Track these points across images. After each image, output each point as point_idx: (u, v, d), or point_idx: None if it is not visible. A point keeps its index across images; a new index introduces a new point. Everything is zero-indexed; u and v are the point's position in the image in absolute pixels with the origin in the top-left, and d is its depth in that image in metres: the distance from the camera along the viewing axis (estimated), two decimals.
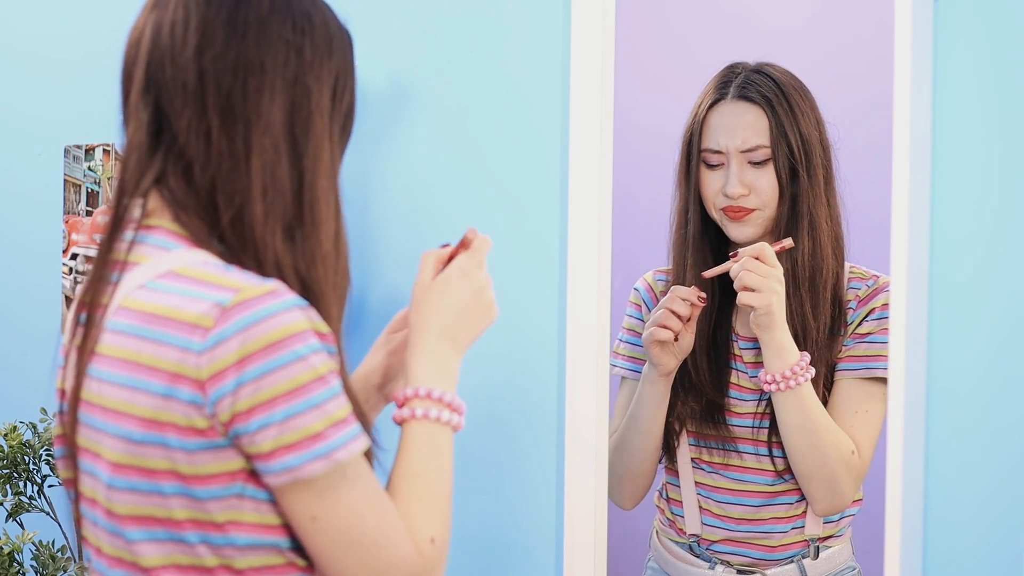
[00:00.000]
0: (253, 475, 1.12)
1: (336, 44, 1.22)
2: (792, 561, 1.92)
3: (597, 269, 1.76)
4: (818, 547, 1.92)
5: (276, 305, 1.10)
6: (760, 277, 1.79)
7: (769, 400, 1.89)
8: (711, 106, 1.92)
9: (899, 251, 1.51)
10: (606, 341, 1.80)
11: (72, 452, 1.18)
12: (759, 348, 1.88)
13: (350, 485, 1.12)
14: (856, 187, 2.70)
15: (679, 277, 1.97)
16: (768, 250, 1.81)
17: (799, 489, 1.91)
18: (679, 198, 1.97)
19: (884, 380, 1.81)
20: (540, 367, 1.82)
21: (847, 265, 1.94)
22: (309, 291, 1.18)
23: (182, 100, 1.16)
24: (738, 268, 1.81)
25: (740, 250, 1.84)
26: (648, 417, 1.93)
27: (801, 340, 1.86)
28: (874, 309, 1.89)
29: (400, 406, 1.26)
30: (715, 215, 1.92)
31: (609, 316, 1.81)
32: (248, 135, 1.16)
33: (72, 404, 1.18)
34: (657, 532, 2.04)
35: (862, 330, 1.90)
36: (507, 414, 1.85)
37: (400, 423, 1.25)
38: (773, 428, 1.89)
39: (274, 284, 1.12)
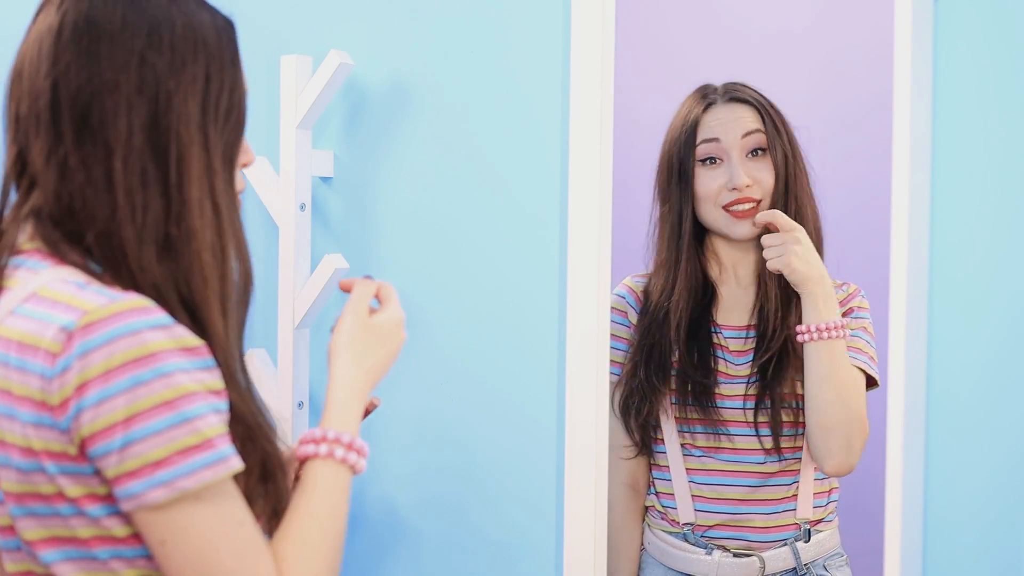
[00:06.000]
0: None
1: (203, 46, 1.18)
2: (785, 544, 1.97)
3: (597, 269, 1.77)
4: (809, 530, 1.97)
5: (118, 328, 1.06)
6: (774, 244, 1.89)
7: (757, 383, 1.95)
8: (704, 110, 1.98)
9: (899, 251, 1.51)
10: (606, 341, 1.80)
11: None
12: (743, 337, 1.99)
13: (205, 511, 1.08)
14: (856, 187, 2.71)
15: (669, 285, 1.99)
16: (780, 215, 1.90)
17: (792, 471, 1.97)
18: (670, 207, 2.00)
19: (862, 373, 1.93)
20: (540, 368, 1.82)
21: None
22: (191, 304, 1.15)
23: (35, 129, 1.15)
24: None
25: (758, 216, 1.93)
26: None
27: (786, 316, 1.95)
28: (852, 308, 1.98)
29: (304, 443, 1.24)
30: (714, 215, 1.96)
31: (609, 316, 1.81)
32: (109, 161, 1.13)
33: None
34: (649, 526, 2.06)
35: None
36: (507, 414, 1.85)
37: (303, 460, 1.23)
38: (760, 409, 1.95)
39: (125, 303, 1.08)
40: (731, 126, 1.96)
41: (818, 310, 1.87)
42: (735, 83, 2.02)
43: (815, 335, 1.87)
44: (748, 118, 1.96)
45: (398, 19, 1.94)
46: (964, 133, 1.49)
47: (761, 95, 2.00)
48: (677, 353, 1.98)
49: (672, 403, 2.00)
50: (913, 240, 1.50)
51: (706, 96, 2.00)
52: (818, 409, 1.89)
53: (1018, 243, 1.47)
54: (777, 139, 1.95)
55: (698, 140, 1.97)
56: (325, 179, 2.02)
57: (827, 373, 1.87)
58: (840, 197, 2.70)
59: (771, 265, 1.89)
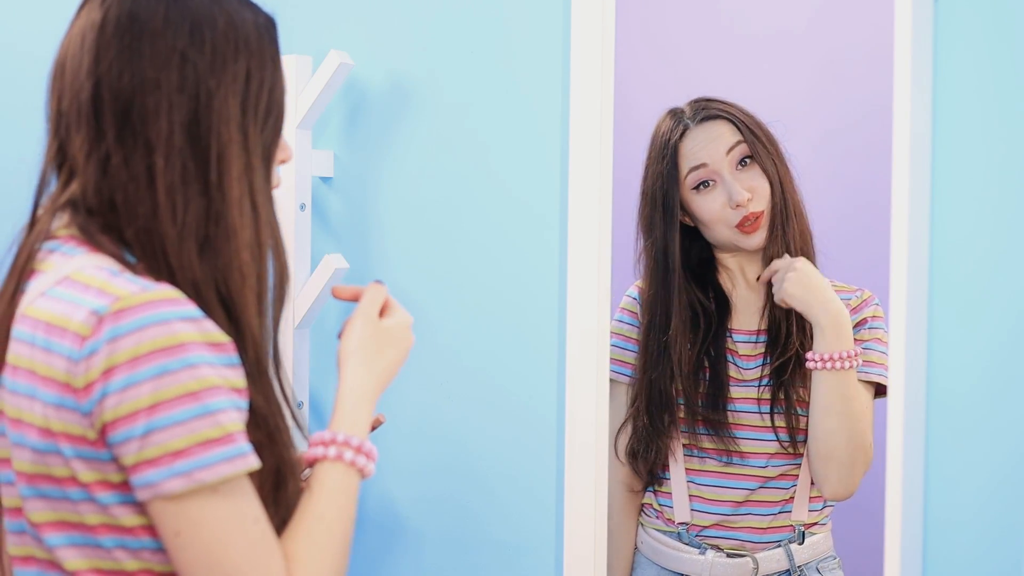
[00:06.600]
0: None
1: (244, 45, 1.18)
2: (779, 545, 1.97)
3: (597, 269, 1.77)
4: (803, 532, 1.97)
5: (150, 316, 1.07)
6: (776, 278, 1.92)
7: (769, 386, 1.95)
8: (680, 137, 1.97)
9: (899, 251, 1.51)
10: (606, 341, 1.80)
11: None
12: (753, 342, 1.99)
13: (220, 505, 1.08)
14: (856, 187, 2.71)
15: (663, 321, 1.98)
16: (775, 264, 1.94)
17: (791, 475, 1.97)
18: (654, 240, 1.98)
19: (872, 385, 1.93)
20: (541, 366, 1.82)
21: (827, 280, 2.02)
22: (229, 302, 1.16)
23: (76, 124, 1.15)
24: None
25: (762, 277, 1.97)
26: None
27: (800, 322, 1.94)
28: (866, 319, 1.97)
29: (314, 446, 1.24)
30: (725, 234, 1.96)
31: (609, 316, 1.82)
32: (150, 158, 1.13)
33: None
34: (642, 525, 2.06)
35: (857, 336, 1.95)
36: (508, 412, 1.85)
37: (312, 463, 1.23)
38: (775, 412, 1.95)
39: (157, 292, 1.09)
40: (713, 146, 1.94)
41: (825, 339, 1.86)
42: (702, 100, 2.00)
43: (822, 364, 1.86)
44: (726, 133, 1.95)
45: (398, 19, 1.94)
46: (964, 133, 1.49)
47: (730, 105, 1.98)
48: (682, 386, 1.96)
49: (682, 431, 1.99)
50: (913, 240, 1.50)
51: (679, 121, 1.98)
52: (819, 437, 1.89)
53: (1018, 243, 1.47)
54: (759, 145, 1.95)
55: (685, 169, 1.96)
56: (325, 179, 2.02)
57: (832, 403, 1.87)
58: (840, 197, 2.69)
59: (776, 298, 1.91)
